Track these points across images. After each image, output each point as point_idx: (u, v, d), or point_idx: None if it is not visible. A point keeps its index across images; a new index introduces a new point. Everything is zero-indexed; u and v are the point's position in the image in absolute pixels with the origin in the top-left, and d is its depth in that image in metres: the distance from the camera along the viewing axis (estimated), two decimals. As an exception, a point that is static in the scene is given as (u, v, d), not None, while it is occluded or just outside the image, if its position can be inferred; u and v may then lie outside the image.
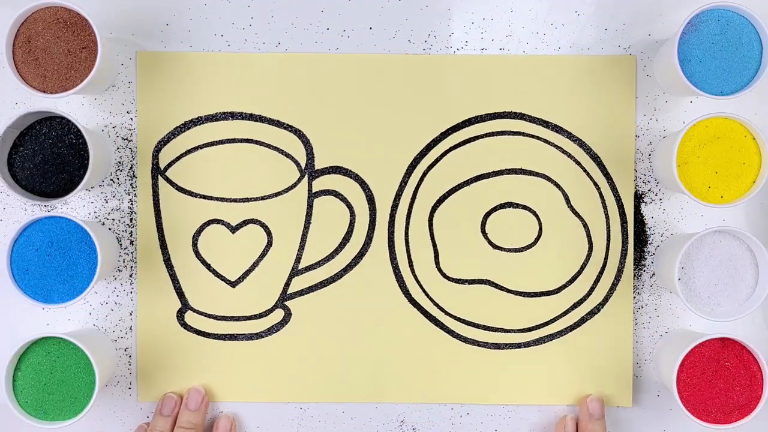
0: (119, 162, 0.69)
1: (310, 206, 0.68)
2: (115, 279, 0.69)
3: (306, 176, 0.68)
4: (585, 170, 0.68)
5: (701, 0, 0.64)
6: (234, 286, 0.69)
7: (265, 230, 0.68)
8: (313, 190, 0.68)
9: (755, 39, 0.63)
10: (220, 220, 0.68)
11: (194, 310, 0.69)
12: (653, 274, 0.69)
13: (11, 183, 0.63)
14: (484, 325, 0.69)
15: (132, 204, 0.69)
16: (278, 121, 0.68)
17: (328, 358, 0.69)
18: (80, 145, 0.64)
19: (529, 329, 0.69)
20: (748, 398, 0.64)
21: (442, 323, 0.69)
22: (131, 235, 0.69)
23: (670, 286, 0.65)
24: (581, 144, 0.68)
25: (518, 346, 0.69)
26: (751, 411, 0.63)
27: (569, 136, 0.68)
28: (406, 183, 0.68)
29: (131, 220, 0.69)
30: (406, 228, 0.69)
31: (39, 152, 0.64)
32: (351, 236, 0.69)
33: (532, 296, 0.69)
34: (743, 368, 0.64)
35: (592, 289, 0.69)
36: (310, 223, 0.69)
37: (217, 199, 0.68)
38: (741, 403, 0.64)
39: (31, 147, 0.64)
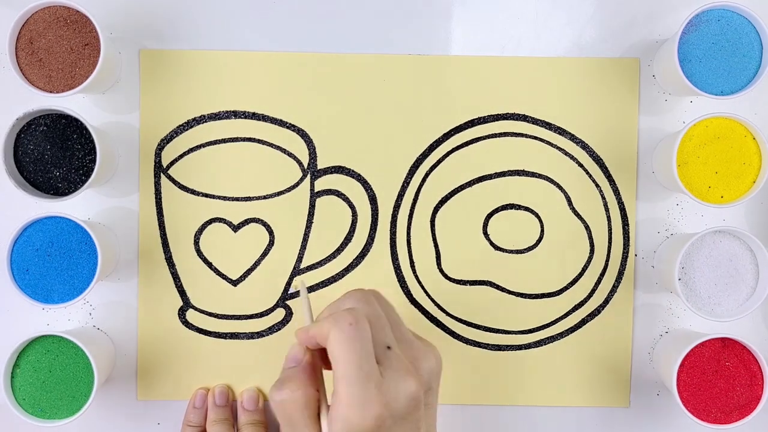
0: (121, 160, 0.69)
1: (312, 206, 0.69)
2: (116, 278, 0.69)
3: (308, 176, 0.69)
4: (587, 172, 0.69)
5: (701, 0, 0.65)
6: (235, 285, 0.68)
7: (266, 229, 0.68)
8: (315, 190, 0.68)
9: (755, 39, 0.63)
10: (222, 219, 0.68)
11: (195, 309, 0.69)
12: (653, 274, 0.69)
13: (19, 180, 0.63)
14: (484, 326, 0.69)
15: (133, 202, 0.69)
16: (281, 120, 0.68)
17: (328, 358, 0.69)
18: (83, 144, 0.64)
19: (531, 331, 0.69)
20: (748, 398, 0.64)
21: (442, 324, 0.69)
22: (132, 234, 0.69)
23: (670, 286, 0.65)
24: (584, 146, 0.69)
25: (519, 347, 0.69)
26: (751, 411, 0.64)
27: (572, 138, 0.69)
28: (408, 183, 0.69)
29: (133, 218, 0.69)
30: (408, 228, 0.69)
31: (41, 152, 0.63)
32: (353, 236, 0.69)
33: (534, 298, 0.69)
34: (743, 368, 0.64)
35: (593, 290, 0.69)
36: (312, 222, 0.69)
37: (219, 197, 0.68)
38: (741, 403, 0.64)
39: (33, 146, 0.64)
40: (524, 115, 0.69)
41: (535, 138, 0.69)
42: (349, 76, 0.68)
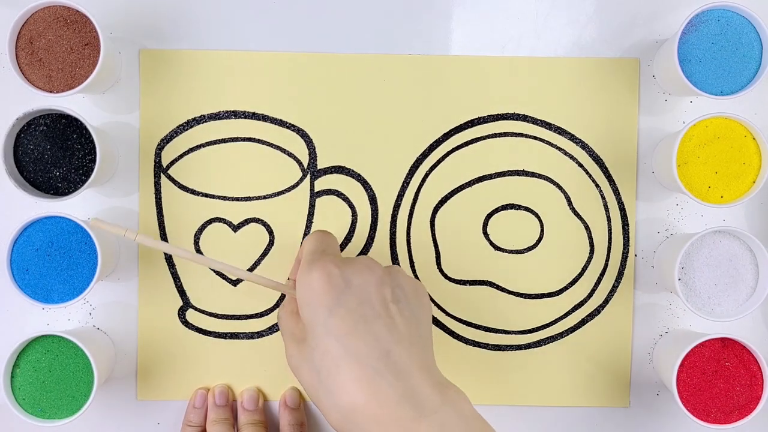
0: (121, 160, 0.69)
1: (312, 206, 0.69)
2: (116, 278, 0.69)
3: (308, 176, 0.69)
4: (587, 172, 0.69)
5: (701, 0, 0.65)
6: (235, 285, 0.68)
7: (266, 229, 0.68)
8: (315, 190, 0.68)
9: (755, 39, 0.63)
10: (222, 219, 0.68)
11: (195, 309, 0.69)
12: (653, 274, 0.69)
13: (19, 180, 0.63)
14: (484, 326, 0.69)
15: (133, 202, 0.69)
16: (281, 120, 0.68)
17: (328, 358, 0.69)
18: (83, 144, 0.64)
19: (530, 331, 0.69)
20: (748, 398, 0.64)
21: (442, 324, 0.69)
22: (132, 234, 0.69)
23: (670, 286, 0.65)
24: (583, 146, 0.69)
25: (519, 347, 0.69)
26: (751, 411, 0.64)
27: (571, 137, 0.69)
28: (408, 183, 0.69)
29: (133, 218, 0.69)
30: (408, 228, 0.69)
31: (41, 152, 0.63)
32: (353, 236, 0.69)
33: (534, 298, 0.69)
34: (743, 368, 0.64)
35: (593, 290, 0.69)
36: (311, 222, 0.69)
37: (219, 197, 0.68)
38: (741, 403, 0.64)
39: (33, 146, 0.64)
40: (524, 115, 0.69)
41: (535, 138, 0.69)
42: (349, 76, 0.68)
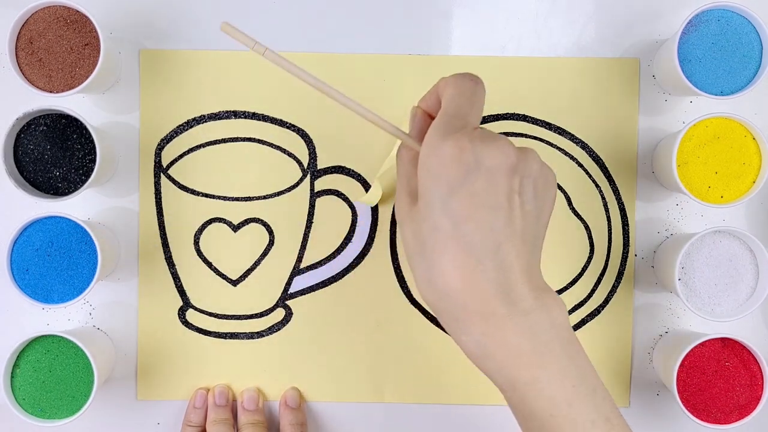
0: (121, 160, 0.69)
1: (312, 206, 0.69)
2: (116, 278, 0.69)
3: (308, 176, 0.69)
4: (587, 172, 0.69)
5: (701, 0, 0.65)
6: (235, 285, 0.68)
7: (266, 229, 0.68)
8: (315, 190, 0.69)
9: (755, 39, 0.63)
10: (222, 219, 0.68)
11: (195, 309, 0.69)
12: (653, 274, 0.69)
13: (19, 180, 0.63)
14: (484, 326, 0.69)
15: (133, 202, 0.69)
16: (281, 120, 0.68)
17: (328, 358, 0.69)
18: (83, 144, 0.64)
19: (530, 330, 0.69)
20: (748, 398, 0.64)
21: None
22: (132, 234, 0.69)
23: (670, 286, 0.65)
24: (583, 146, 0.69)
25: (518, 347, 0.69)
26: (751, 411, 0.64)
27: (571, 138, 0.69)
28: (407, 183, 0.69)
29: (133, 218, 0.69)
30: (408, 228, 0.69)
31: (41, 152, 0.64)
32: (353, 236, 0.69)
33: (533, 297, 0.69)
34: (743, 368, 0.64)
35: (593, 290, 0.69)
36: (311, 222, 0.69)
37: (219, 197, 0.68)
38: (741, 403, 0.64)
39: (33, 146, 0.64)
40: (524, 115, 0.69)
41: (535, 138, 0.69)
42: (349, 76, 0.68)
